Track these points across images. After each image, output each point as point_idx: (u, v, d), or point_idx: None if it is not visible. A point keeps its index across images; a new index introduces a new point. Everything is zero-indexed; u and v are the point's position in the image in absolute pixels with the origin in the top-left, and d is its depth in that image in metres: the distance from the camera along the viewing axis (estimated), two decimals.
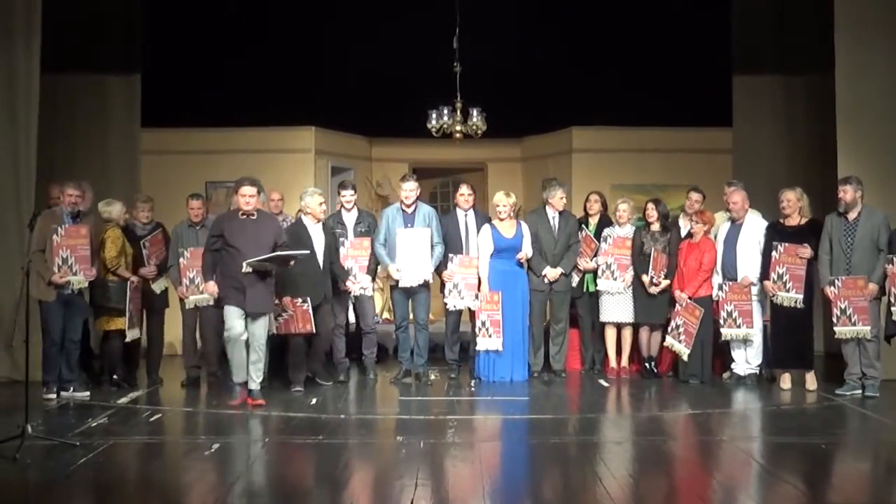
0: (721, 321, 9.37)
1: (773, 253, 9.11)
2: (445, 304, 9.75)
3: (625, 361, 10.08)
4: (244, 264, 8.23)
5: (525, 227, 9.80)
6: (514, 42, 12.70)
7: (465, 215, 9.90)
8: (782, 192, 9.30)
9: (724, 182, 10.20)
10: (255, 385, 8.53)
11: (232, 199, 9.52)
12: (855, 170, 9.24)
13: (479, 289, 9.63)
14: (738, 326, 9.32)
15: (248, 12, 12.66)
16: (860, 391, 8.83)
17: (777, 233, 9.24)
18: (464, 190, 10.01)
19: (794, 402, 8.77)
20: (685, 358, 9.52)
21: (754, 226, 9.42)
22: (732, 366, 9.58)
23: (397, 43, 12.11)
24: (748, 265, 9.34)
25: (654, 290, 9.67)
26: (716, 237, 9.63)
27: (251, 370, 8.50)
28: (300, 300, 9.02)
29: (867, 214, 8.85)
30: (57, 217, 8.73)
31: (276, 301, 8.86)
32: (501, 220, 9.74)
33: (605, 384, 9.71)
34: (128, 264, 9.28)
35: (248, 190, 8.47)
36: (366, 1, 12.30)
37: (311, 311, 9.04)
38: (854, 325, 8.79)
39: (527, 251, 9.71)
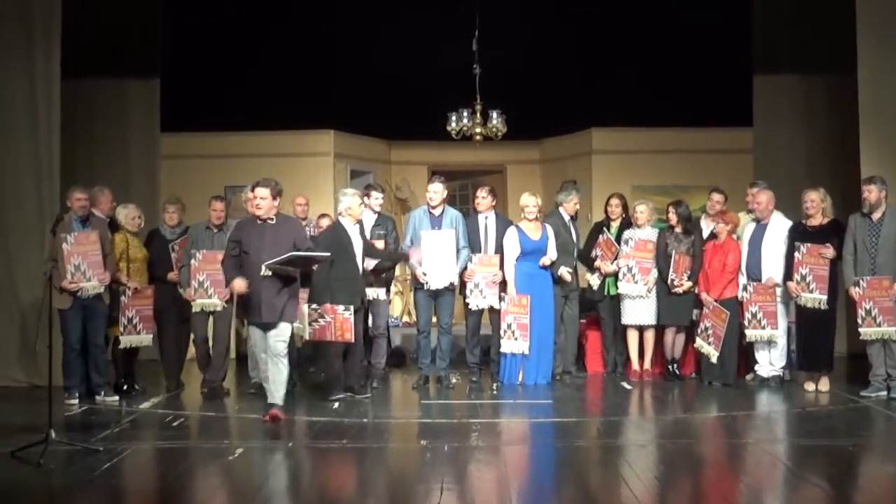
0: (745, 322, 9.31)
1: (796, 254, 9.04)
2: (467, 304, 9.64)
3: (647, 364, 10.03)
4: (262, 267, 7.77)
5: (550, 230, 9.71)
6: (534, 44, 12.67)
7: (486, 218, 9.79)
8: (806, 192, 9.22)
9: (746, 182, 10.17)
10: (273, 399, 7.86)
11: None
12: (878, 169, 9.17)
13: (499, 287, 9.55)
14: (763, 328, 9.25)
15: (266, 16, 12.68)
16: (885, 393, 8.73)
17: (799, 233, 9.17)
18: (478, 193, 9.90)
19: (818, 405, 8.70)
20: (714, 360, 9.44)
21: (779, 226, 9.35)
22: (756, 368, 9.50)
23: (416, 45, 12.10)
24: (773, 266, 9.27)
25: (677, 290, 9.62)
26: (740, 238, 9.57)
27: (269, 385, 7.91)
28: (342, 307, 8.66)
29: (892, 214, 8.76)
30: (66, 225, 8.64)
31: (316, 307, 8.66)
32: (530, 221, 9.67)
33: (628, 387, 9.66)
34: (135, 270, 9.20)
35: (259, 192, 7.92)
36: (384, 4, 12.29)
37: (352, 319, 8.66)
38: (879, 325, 8.71)
39: (551, 255, 9.64)
